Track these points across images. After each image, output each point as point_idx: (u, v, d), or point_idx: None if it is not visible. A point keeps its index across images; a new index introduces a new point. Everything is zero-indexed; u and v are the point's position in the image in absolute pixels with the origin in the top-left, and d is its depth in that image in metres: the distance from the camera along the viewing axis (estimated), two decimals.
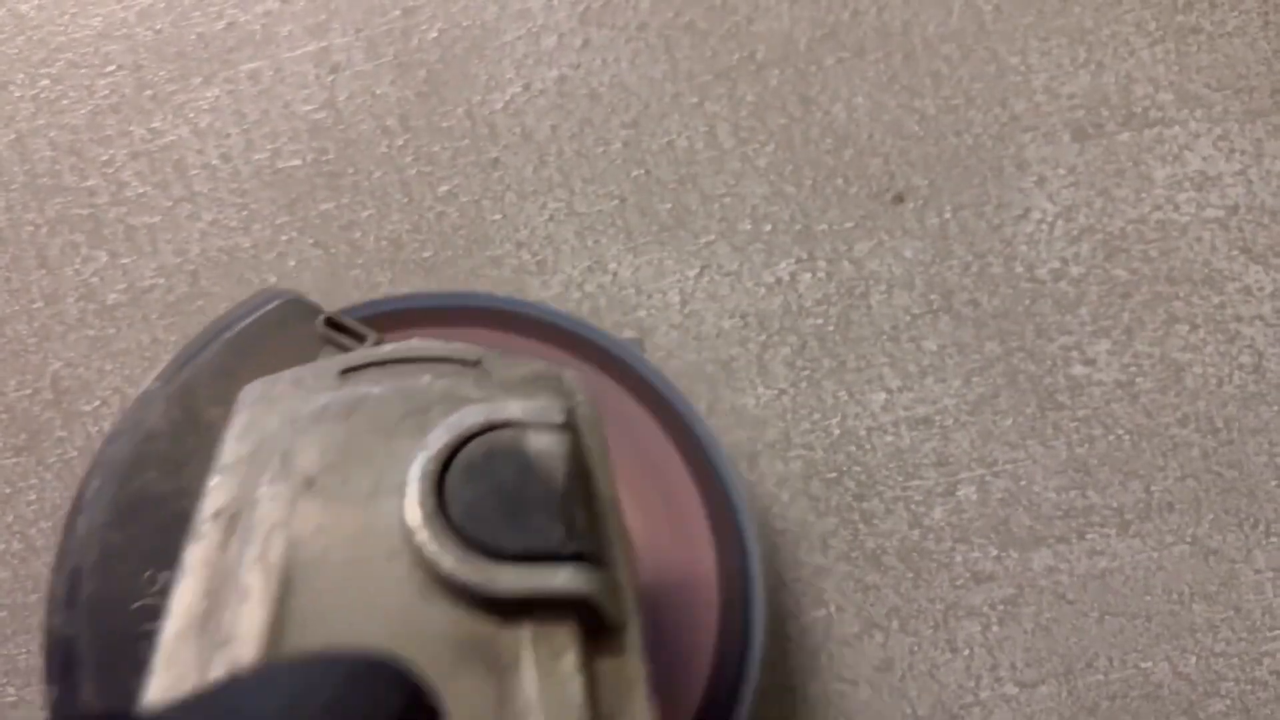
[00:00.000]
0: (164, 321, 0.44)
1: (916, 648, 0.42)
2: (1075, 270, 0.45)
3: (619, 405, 0.38)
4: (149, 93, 0.46)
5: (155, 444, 0.30)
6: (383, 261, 0.45)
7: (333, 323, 0.32)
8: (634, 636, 0.24)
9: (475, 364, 0.27)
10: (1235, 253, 0.45)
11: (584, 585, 0.22)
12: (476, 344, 0.32)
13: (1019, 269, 0.45)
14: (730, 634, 0.36)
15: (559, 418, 0.25)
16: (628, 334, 0.44)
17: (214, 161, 0.45)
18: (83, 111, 0.46)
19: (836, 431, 0.44)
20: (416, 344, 0.28)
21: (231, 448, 0.25)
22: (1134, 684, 0.42)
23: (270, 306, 0.32)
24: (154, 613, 0.28)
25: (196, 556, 0.23)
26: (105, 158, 0.45)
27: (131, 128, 0.46)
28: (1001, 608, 0.42)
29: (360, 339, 0.32)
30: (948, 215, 0.45)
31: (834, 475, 0.43)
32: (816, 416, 0.44)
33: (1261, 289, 0.44)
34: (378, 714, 0.17)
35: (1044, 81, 0.46)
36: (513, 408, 0.24)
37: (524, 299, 0.41)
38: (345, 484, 0.23)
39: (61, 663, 0.28)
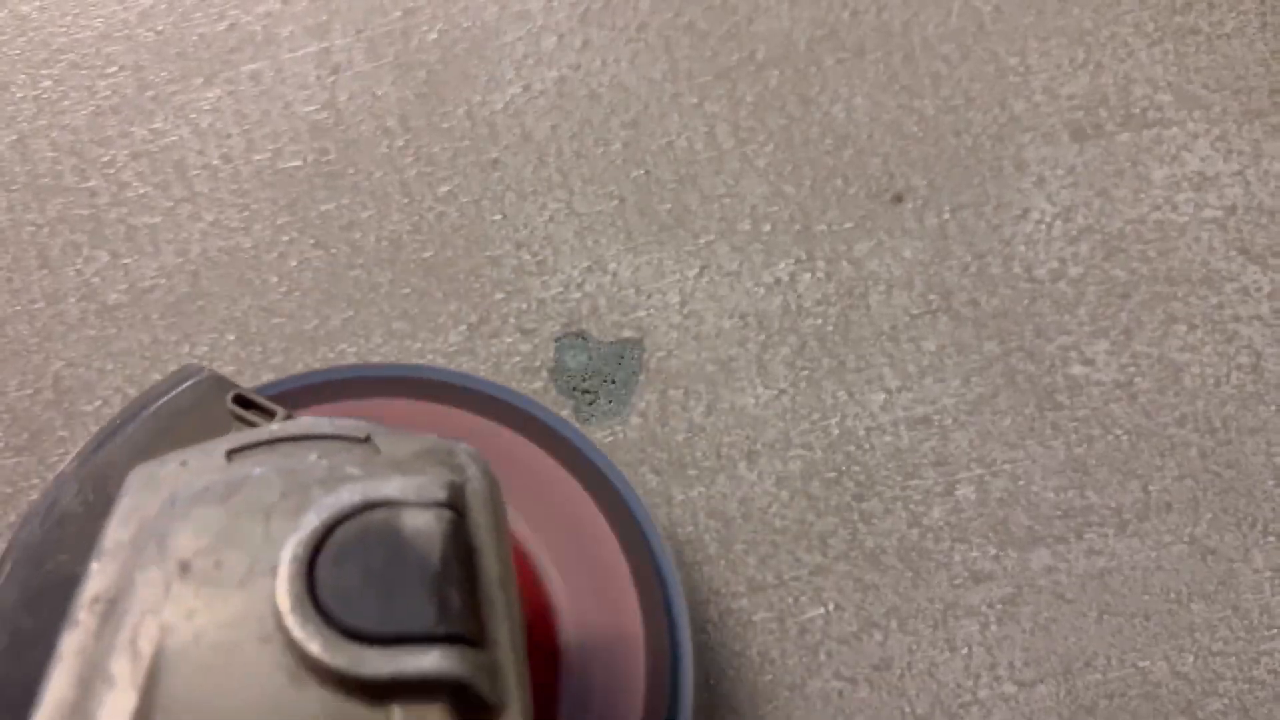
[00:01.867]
0: (165, 321, 0.44)
1: (915, 647, 0.42)
2: (1074, 270, 0.45)
3: (545, 472, 0.39)
4: (150, 93, 0.46)
5: (68, 526, 0.30)
6: (382, 261, 0.45)
7: (242, 400, 0.32)
8: (516, 718, 0.23)
9: (364, 440, 0.27)
10: (1233, 253, 0.45)
11: (454, 667, 0.22)
12: (397, 417, 0.32)
13: (1018, 269, 0.45)
14: (658, 695, 0.37)
15: (440, 494, 0.24)
16: (627, 334, 0.44)
17: (215, 162, 0.46)
18: (84, 112, 0.46)
19: (836, 431, 0.44)
20: (305, 422, 0.27)
21: (113, 533, 0.24)
22: (1132, 683, 0.42)
23: (186, 385, 0.33)
24: None
25: (71, 644, 0.23)
26: (106, 158, 0.46)
27: (133, 128, 0.46)
28: (1000, 607, 0.42)
29: (270, 415, 0.32)
30: (947, 215, 0.45)
31: (833, 475, 0.43)
32: (816, 416, 0.44)
33: (1259, 289, 0.45)
34: None
35: (1043, 82, 0.46)
36: (390, 486, 0.24)
37: (450, 369, 0.41)
38: (219, 568, 0.23)
39: None
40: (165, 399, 0.32)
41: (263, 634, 0.22)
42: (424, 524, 0.24)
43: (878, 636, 0.42)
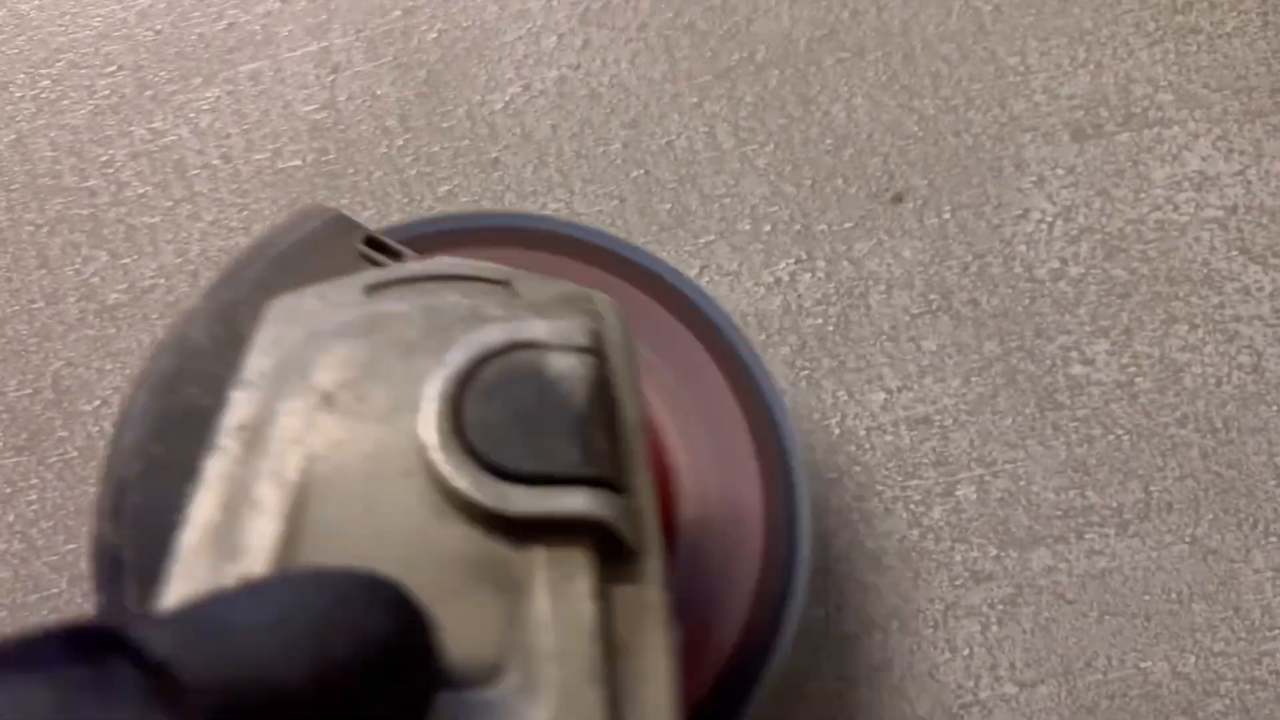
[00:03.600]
0: (164, 321, 0.44)
1: (915, 647, 0.42)
2: (1074, 270, 0.45)
3: (670, 335, 0.38)
4: (149, 93, 0.46)
5: (197, 360, 0.30)
6: None
7: (372, 241, 0.31)
8: (654, 565, 0.23)
9: (504, 284, 0.27)
10: (1234, 253, 0.45)
11: (599, 509, 0.22)
12: (518, 265, 0.32)
13: (1018, 269, 0.45)
14: (774, 567, 0.36)
15: (583, 339, 0.24)
16: None
17: (214, 161, 0.46)
18: (83, 112, 0.46)
19: (836, 431, 0.44)
20: (445, 261, 0.27)
21: (255, 362, 0.24)
22: (1133, 684, 0.42)
23: (313, 225, 0.32)
24: None
25: (216, 470, 0.23)
26: (106, 158, 0.46)
27: (132, 128, 0.46)
28: (1000, 607, 0.42)
29: (399, 258, 0.31)
30: (947, 215, 0.45)
31: (834, 475, 0.43)
32: (816, 416, 0.44)
33: (1260, 289, 0.45)
34: (365, 634, 0.17)
35: (1043, 82, 0.46)
36: (535, 328, 0.24)
37: (583, 224, 0.39)
38: (363, 401, 0.23)
39: (108, 570, 0.28)
40: (292, 239, 0.31)
41: (405, 468, 0.22)
42: (568, 367, 0.23)
43: (878, 637, 0.42)
